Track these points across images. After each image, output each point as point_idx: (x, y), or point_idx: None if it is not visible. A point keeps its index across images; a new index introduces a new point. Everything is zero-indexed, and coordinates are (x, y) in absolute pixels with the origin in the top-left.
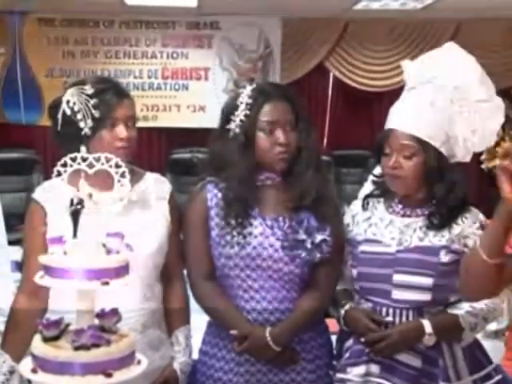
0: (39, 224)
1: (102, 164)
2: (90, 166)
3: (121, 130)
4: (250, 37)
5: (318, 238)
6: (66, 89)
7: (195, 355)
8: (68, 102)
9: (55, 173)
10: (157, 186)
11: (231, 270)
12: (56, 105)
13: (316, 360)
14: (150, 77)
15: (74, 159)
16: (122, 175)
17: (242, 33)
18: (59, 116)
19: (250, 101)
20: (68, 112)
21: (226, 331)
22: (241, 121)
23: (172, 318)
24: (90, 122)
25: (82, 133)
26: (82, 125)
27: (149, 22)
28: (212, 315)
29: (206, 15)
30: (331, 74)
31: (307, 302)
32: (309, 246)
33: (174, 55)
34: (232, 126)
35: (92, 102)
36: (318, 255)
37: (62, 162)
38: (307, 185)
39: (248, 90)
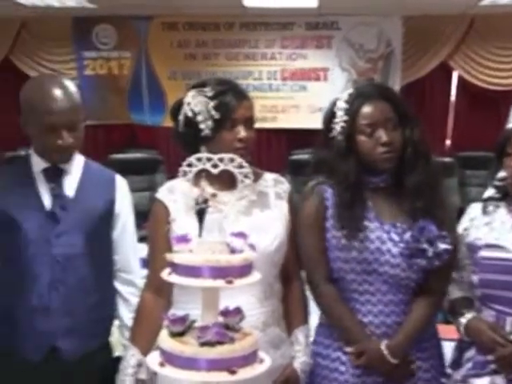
0: (163, 223)
1: (226, 164)
2: (215, 166)
3: (240, 131)
4: (370, 36)
5: (440, 247)
6: (188, 91)
7: None
8: (189, 103)
9: (181, 173)
10: (276, 186)
11: (347, 274)
12: (178, 106)
13: (431, 369)
14: (269, 78)
15: (199, 159)
16: (246, 176)
17: (362, 32)
18: (181, 117)
19: (346, 106)
20: (189, 113)
21: (343, 337)
22: (341, 127)
23: (291, 317)
24: (210, 124)
25: (203, 134)
26: (202, 126)
27: (268, 24)
28: (330, 320)
29: (325, 15)
30: (455, 73)
31: (423, 309)
32: (430, 254)
33: (293, 56)
34: (334, 133)
35: (212, 103)
36: (437, 263)
37: (187, 162)
38: (420, 184)
39: (345, 94)
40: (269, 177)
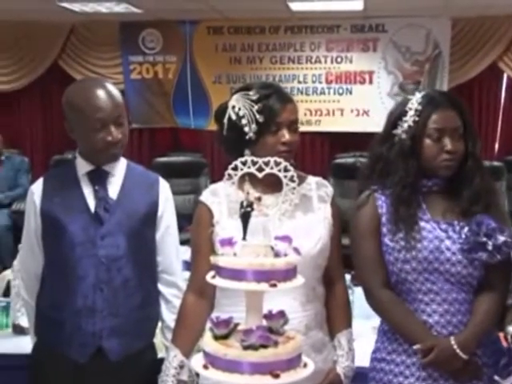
0: (206, 225)
1: (271, 168)
2: (259, 169)
3: (284, 134)
4: (417, 38)
5: (500, 239)
6: (232, 94)
7: (365, 363)
8: (233, 107)
9: (226, 176)
10: (319, 189)
11: (408, 275)
12: (222, 110)
13: (494, 366)
14: (313, 81)
15: (244, 163)
16: (291, 179)
17: (408, 35)
18: (225, 121)
19: (419, 107)
20: (233, 117)
21: (407, 341)
22: (409, 126)
23: (334, 321)
24: (254, 127)
25: (247, 137)
26: (246, 129)
27: (313, 27)
28: (391, 324)
29: (371, 18)
30: (505, 75)
31: (487, 305)
32: (490, 247)
33: (338, 59)
34: (398, 131)
35: (256, 107)
36: (498, 257)
37: (232, 165)
38: (477, 192)
39: (418, 96)
40: (312, 180)
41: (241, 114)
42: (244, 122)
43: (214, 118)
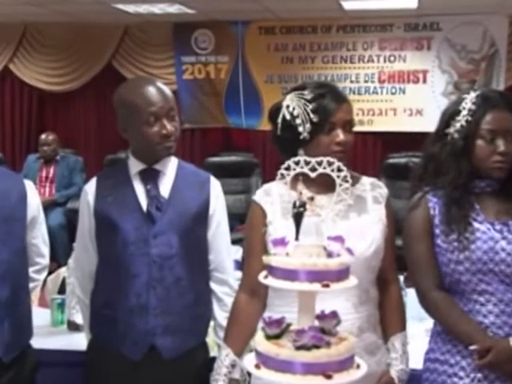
0: (259, 225)
1: (324, 168)
2: (313, 169)
3: (338, 134)
4: (473, 36)
5: None
6: (286, 94)
7: (418, 365)
8: (288, 106)
9: (279, 176)
10: (373, 190)
11: (462, 275)
12: (276, 110)
13: None
14: (366, 81)
15: (297, 163)
16: (344, 179)
17: (464, 33)
18: (279, 120)
19: (473, 107)
20: (287, 117)
21: (462, 342)
22: (461, 126)
23: (388, 324)
24: (308, 127)
25: (301, 137)
26: (300, 129)
27: (366, 26)
28: (446, 325)
29: (425, 16)
30: None
31: None
32: None
33: (391, 58)
34: (451, 130)
35: (311, 106)
36: None
37: (285, 165)
38: None
39: (472, 95)
40: (366, 181)
41: (295, 113)
42: (298, 121)
43: (268, 118)
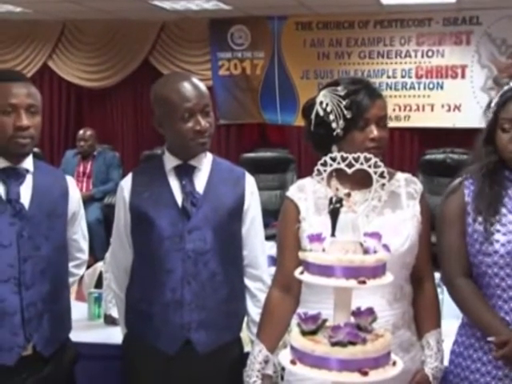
0: (293, 221)
1: (361, 164)
2: (349, 165)
3: (372, 131)
4: None
5: None
6: (320, 90)
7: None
8: (321, 103)
9: (315, 172)
10: (408, 186)
11: (489, 268)
12: (310, 106)
13: None
14: (403, 76)
15: (333, 159)
16: (381, 175)
17: (504, 27)
18: (312, 117)
19: (498, 99)
20: (321, 113)
21: (483, 332)
22: (487, 116)
23: (422, 321)
24: (341, 123)
25: (334, 133)
26: (334, 125)
27: (404, 21)
28: (467, 314)
29: (465, 10)
30: None
31: None
32: None
33: (429, 53)
34: (484, 122)
35: (344, 102)
36: None
37: (322, 161)
38: None
39: (505, 88)
40: (401, 176)
41: (328, 109)
42: (332, 117)
43: (302, 114)
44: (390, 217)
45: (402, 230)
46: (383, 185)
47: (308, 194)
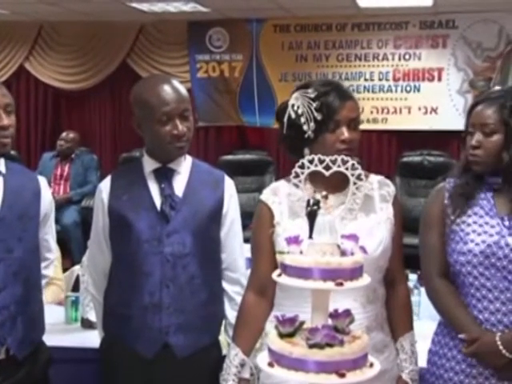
0: (267, 225)
1: (339, 166)
2: (327, 168)
3: (343, 132)
4: (489, 34)
5: None
6: (292, 93)
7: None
8: (293, 105)
9: (293, 174)
10: (381, 189)
11: (463, 267)
12: (282, 109)
13: None
14: (380, 79)
15: (311, 161)
16: (358, 177)
17: (480, 30)
18: (285, 120)
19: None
20: (293, 115)
21: (455, 330)
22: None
23: (396, 324)
24: (312, 125)
25: (306, 136)
26: (305, 128)
27: (381, 24)
28: (441, 313)
29: (441, 14)
30: None
31: None
32: None
33: (406, 56)
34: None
35: (315, 104)
36: None
37: (299, 163)
38: None
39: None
40: (374, 179)
41: (299, 112)
42: (303, 120)
43: (276, 117)
44: (364, 220)
45: (376, 233)
46: (357, 188)
47: (282, 197)
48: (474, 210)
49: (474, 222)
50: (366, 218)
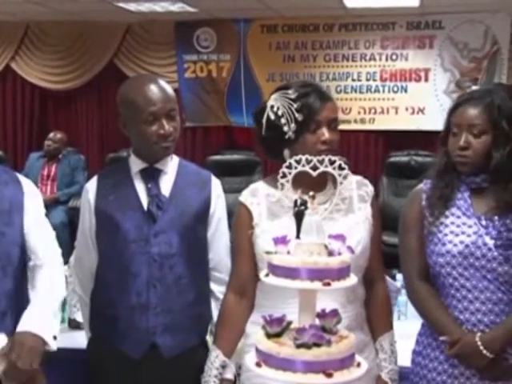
0: (246, 226)
1: (326, 166)
2: (313, 168)
3: (324, 133)
4: (475, 35)
5: None
6: (271, 94)
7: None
8: (272, 106)
9: (280, 174)
10: (359, 189)
11: (442, 268)
12: (260, 110)
13: None
14: (368, 79)
15: (298, 161)
16: (345, 177)
17: (466, 31)
18: (264, 121)
19: (452, 103)
20: (272, 117)
21: (437, 331)
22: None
23: (375, 324)
24: (293, 126)
25: (286, 137)
26: (285, 129)
27: (368, 24)
28: (423, 315)
29: (428, 14)
30: None
31: None
32: None
33: (393, 57)
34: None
35: (295, 105)
36: None
37: (287, 164)
38: None
39: (462, 93)
40: (352, 179)
41: (280, 113)
42: (283, 121)
43: (253, 119)
44: (342, 220)
45: (355, 233)
46: (335, 187)
47: (261, 198)
48: (451, 210)
49: (452, 223)
50: (344, 218)
